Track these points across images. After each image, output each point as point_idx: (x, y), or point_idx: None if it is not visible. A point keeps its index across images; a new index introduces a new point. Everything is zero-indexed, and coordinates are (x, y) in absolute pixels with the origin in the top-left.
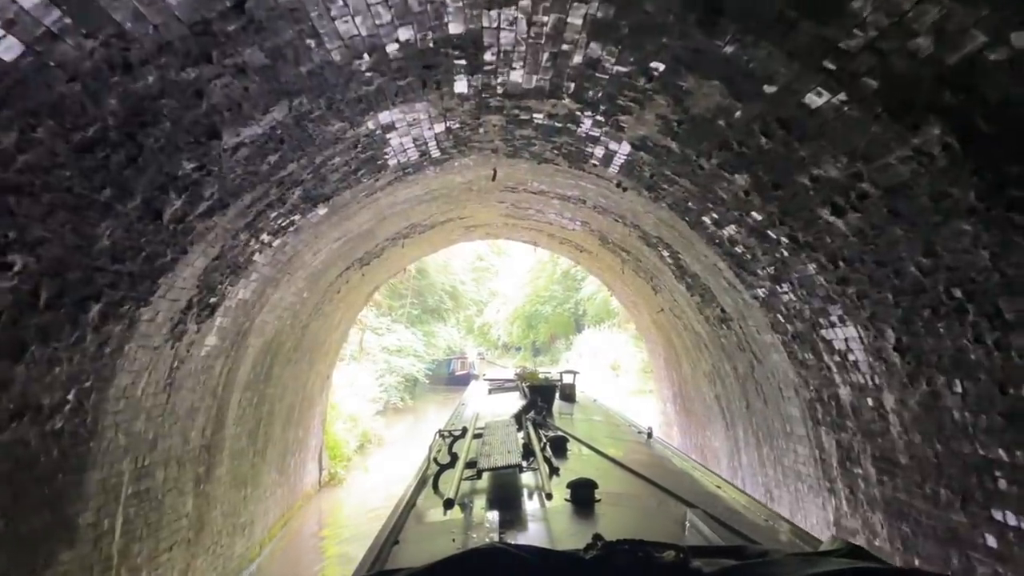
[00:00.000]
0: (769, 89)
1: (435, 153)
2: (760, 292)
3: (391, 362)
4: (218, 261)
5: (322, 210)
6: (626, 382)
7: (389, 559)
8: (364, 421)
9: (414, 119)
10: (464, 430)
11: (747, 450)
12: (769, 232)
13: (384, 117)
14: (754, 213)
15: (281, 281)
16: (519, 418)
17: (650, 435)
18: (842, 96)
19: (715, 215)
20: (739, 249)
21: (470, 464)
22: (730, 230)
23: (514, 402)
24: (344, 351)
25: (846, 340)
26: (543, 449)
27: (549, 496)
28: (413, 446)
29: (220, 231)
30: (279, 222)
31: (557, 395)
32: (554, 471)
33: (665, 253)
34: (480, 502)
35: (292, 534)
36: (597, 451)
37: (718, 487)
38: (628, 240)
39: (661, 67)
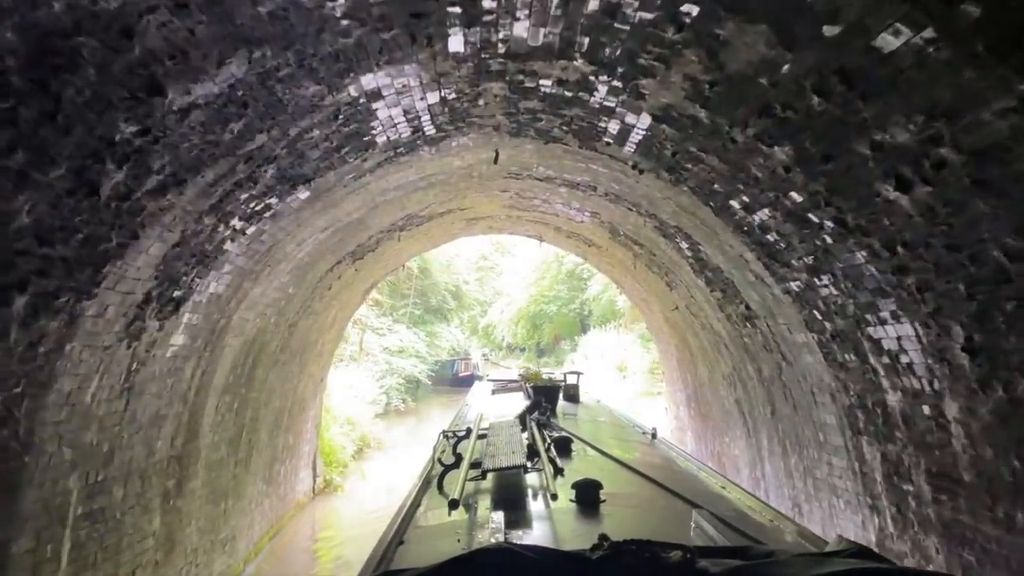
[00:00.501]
0: (830, 31)
1: (429, 130)
2: (794, 286)
3: (392, 363)
4: (179, 248)
5: (303, 193)
6: (633, 384)
7: (394, 559)
8: (363, 424)
9: (403, 85)
10: (468, 430)
11: (772, 459)
12: (810, 215)
13: (368, 81)
14: (793, 193)
15: (261, 274)
16: (523, 419)
17: (654, 436)
18: (928, 33)
19: (746, 198)
20: (771, 237)
21: (475, 464)
22: (762, 215)
23: (518, 403)
24: (344, 352)
25: (898, 339)
26: (547, 450)
27: (554, 496)
28: (414, 450)
29: (179, 213)
30: (252, 206)
31: (561, 396)
32: (558, 471)
33: (683, 245)
34: (485, 502)
35: (281, 547)
36: (601, 452)
37: (722, 488)
38: (642, 232)
39: (695, 11)
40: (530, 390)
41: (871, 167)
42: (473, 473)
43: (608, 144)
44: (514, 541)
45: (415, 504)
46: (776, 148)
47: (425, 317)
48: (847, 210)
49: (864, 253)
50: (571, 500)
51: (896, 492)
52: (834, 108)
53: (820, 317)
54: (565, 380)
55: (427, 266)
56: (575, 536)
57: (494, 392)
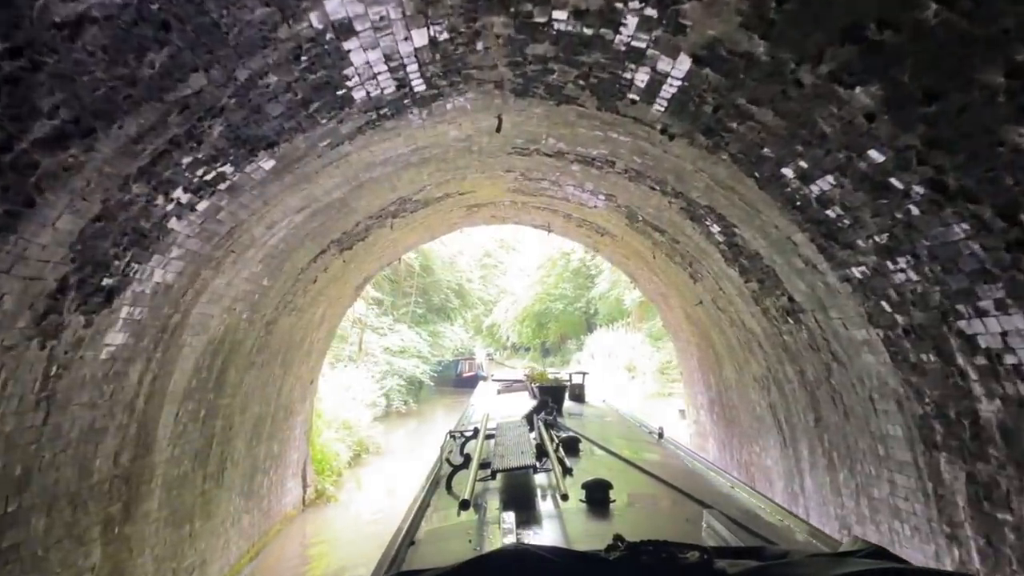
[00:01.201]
0: None
1: (418, 84)
2: (856, 272)
3: (393, 364)
4: (103, 224)
5: (266, 162)
6: (643, 384)
7: (406, 560)
8: (361, 428)
9: (381, 17)
10: (476, 431)
11: (814, 473)
12: (893, 180)
13: (334, 7)
14: (873, 152)
15: (223, 262)
16: (530, 418)
17: (661, 435)
18: None
19: (804, 163)
20: (833, 212)
21: (483, 465)
22: (824, 184)
23: (524, 402)
24: (342, 352)
25: (1003, 335)
26: (556, 450)
27: (564, 497)
28: (414, 455)
29: (94, 176)
30: (200, 173)
31: (567, 395)
32: (567, 472)
33: (715, 228)
34: (495, 503)
35: (264, 568)
36: (610, 451)
37: (731, 487)
38: (665, 215)
39: None
40: (536, 390)
41: (1000, 104)
42: (482, 473)
43: (633, 103)
44: (526, 542)
45: (425, 505)
46: (858, 90)
47: (427, 316)
48: (950, 168)
49: (966, 226)
50: (581, 500)
51: (986, 521)
52: (958, 19)
53: (890, 309)
54: (571, 380)
55: (429, 263)
56: (587, 537)
57: (499, 392)
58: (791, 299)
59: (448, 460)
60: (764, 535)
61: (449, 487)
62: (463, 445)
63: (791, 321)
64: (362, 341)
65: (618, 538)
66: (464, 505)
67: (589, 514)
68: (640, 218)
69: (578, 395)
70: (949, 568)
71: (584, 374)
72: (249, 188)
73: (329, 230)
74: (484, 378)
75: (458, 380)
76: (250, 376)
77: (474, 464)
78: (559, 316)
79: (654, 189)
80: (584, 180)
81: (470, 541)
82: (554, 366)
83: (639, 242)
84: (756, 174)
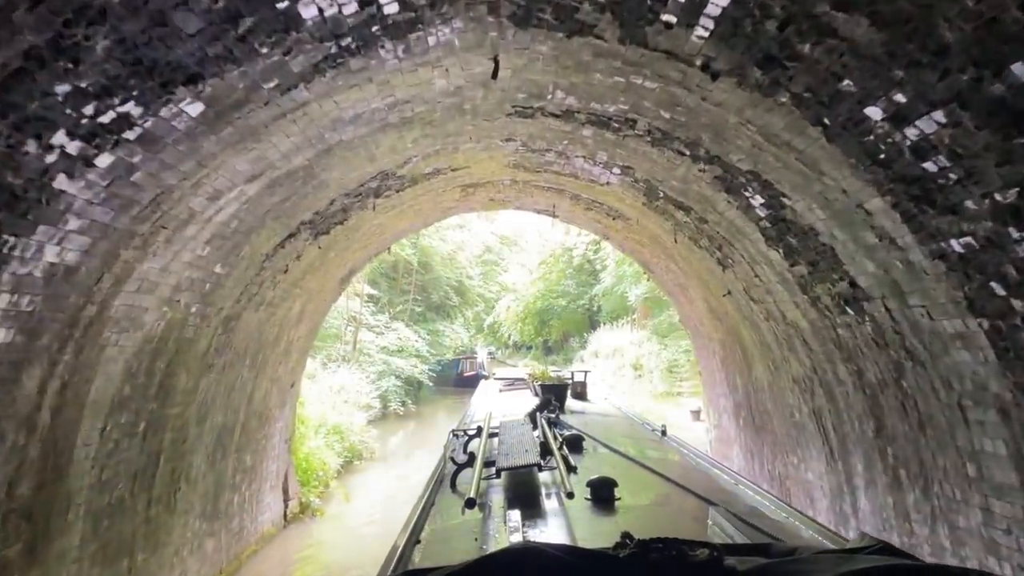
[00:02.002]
0: None
1: (388, 4)
2: (957, 245)
3: (391, 363)
4: None
5: (191, 104)
6: (650, 383)
7: (412, 559)
8: (354, 433)
9: None
10: (479, 429)
11: (871, 492)
12: None
13: None
14: (1019, 66)
15: (152, 241)
16: (533, 417)
17: (664, 433)
18: None
19: (903, 95)
20: (935, 163)
21: (488, 463)
22: (928, 124)
23: (526, 400)
24: (335, 351)
25: None
26: (560, 448)
27: (570, 495)
28: (411, 461)
29: None
30: (89, 112)
31: (569, 393)
32: (572, 470)
33: (757, 200)
34: (500, 501)
35: None
36: (613, 449)
37: (736, 485)
38: (692, 188)
39: None
40: (538, 388)
41: None
42: (487, 472)
43: (667, 27)
44: (532, 540)
45: (430, 503)
46: None
47: (426, 314)
48: None
49: None
50: (587, 498)
51: None
52: None
53: (1004, 292)
54: (572, 378)
55: (428, 260)
56: (593, 534)
57: (501, 390)
58: (853, 284)
59: (452, 458)
60: (769, 532)
61: (454, 485)
62: (466, 443)
63: (850, 311)
64: (356, 340)
65: (626, 536)
66: (470, 503)
67: (595, 512)
68: (661, 195)
69: (580, 393)
70: None
71: (586, 372)
72: (172, 141)
73: (296, 208)
74: (485, 377)
75: (459, 380)
76: (208, 381)
77: (478, 462)
78: (561, 313)
79: (682, 154)
80: (597, 150)
81: (476, 539)
82: (556, 364)
83: (657, 225)
84: (825, 120)
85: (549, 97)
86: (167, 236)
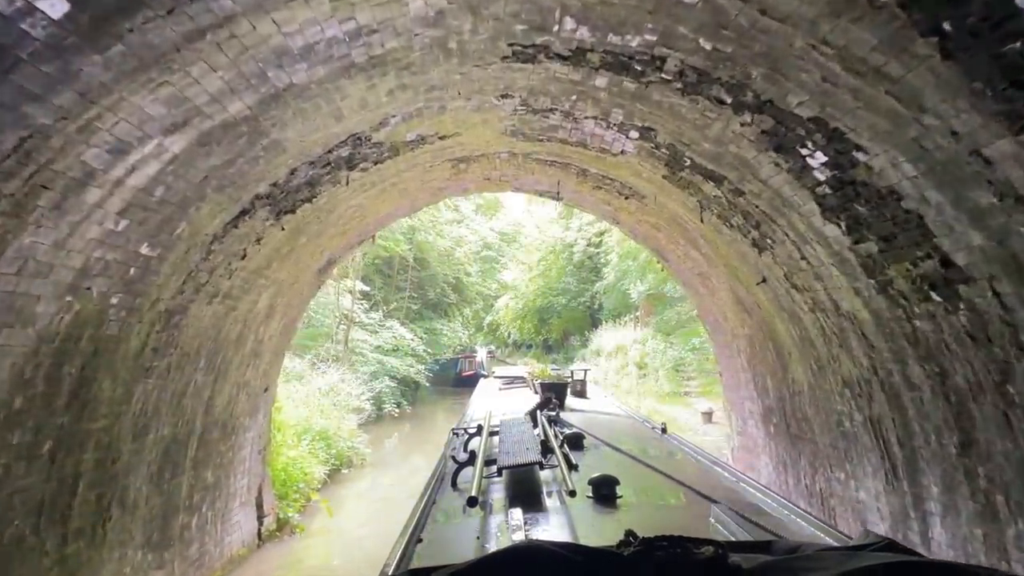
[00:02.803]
0: None
1: None
2: None
3: (386, 363)
4: None
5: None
6: (655, 383)
7: (414, 557)
8: (342, 438)
9: None
10: (480, 427)
11: (951, 519)
12: None
13: None
14: None
15: (30, 204)
16: (534, 415)
17: (664, 431)
18: None
19: None
20: None
21: (489, 461)
22: None
23: (526, 398)
24: (324, 351)
25: None
26: (561, 446)
27: (572, 493)
28: (405, 467)
29: None
30: None
31: (569, 391)
32: (573, 467)
33: (818, 159)
34: (502, 499)
35: None
36: (614, 447)
37: (737, 482)
38: (730, 150)
39: None
40: (538, 386)
41: None
42: (488, 470)
43: None
44: (534, 538)
45: (431, 501)
46: None
47: (423, 312)
48: None
49: None
50: (588, 496)
51: None
52: None
53: None
54: (572, 376)
55: (424, 256)
56: (596, 532)
57: (501, 389)
58: (945, 262)
59: (453, 457)
60: (772, 529)
61: (455, 484)
62: (467, 442)
63: (936, 298)
64: (348, 339)
65: (630, 533)
66: (471, 502)
67: (597, 510)
68: (687, 163)
69: (580, 391)
70: None
71: (585, 371)
72: (28, 54)
73: (245, 177)
74: (485, 376)
75: (457, 379)
76: (145, 388)
77: (479, 461)
78: (562, 312)
79: (721, 103)
80: (612, 107)
81: (478, 538)
82: (557, 363)
83: (679, 202)
84: (945, 26)
85: (555, 29)
86: (53, 200)
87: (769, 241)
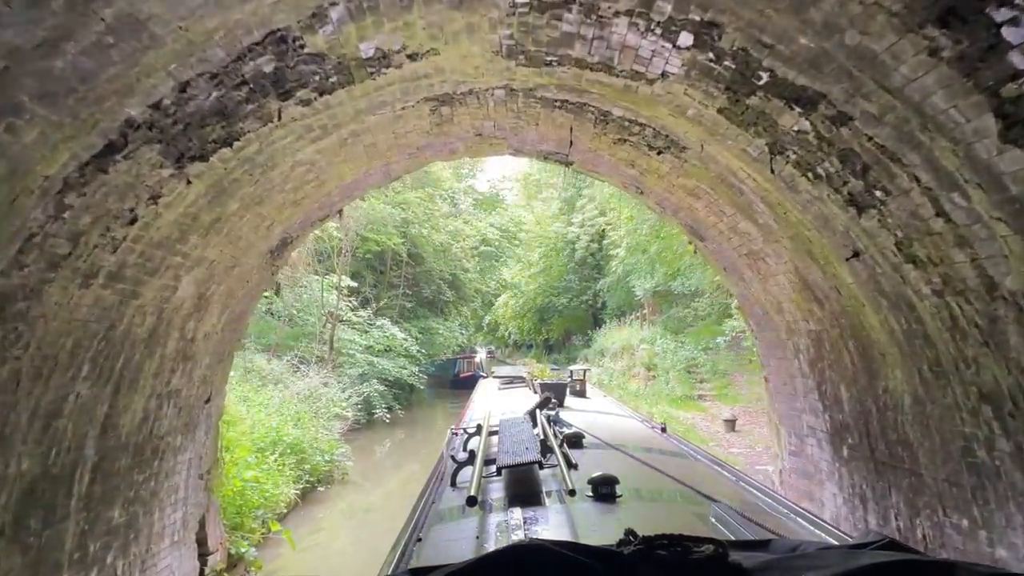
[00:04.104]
0: None
1: None
2: None
3: (377, 365)
4: None
5: None
6: (665, 386)
7: (414, 557)
8: (319, 450)
9: None
10: (479, 427)
11: None
12: None
13: None
14: None
15: None
16: (533, 415)
17: (663, 430)
18: None
19: None
20: None
21: (488, 461)
22: None
23: (526, 398)
24: (310, 351)
25: None
26: (560, 445)
27: (571, 492)
28: (392, 483)
29: None
30: None
31: (568, 391)
32: (572, 467)
33: (1020, 33)
34: (501, 499)
35: None
36: (614, 447)
37: (737, 482)
38: (844, 43)
39: None
40: (538, 386)
41: None
42: (487, 470)
43: None
44: (534, 537)
45: (430, 501)
46: None
47: (417, 310)
48: None
49: None
50: (588, 495)
51: None
52: None
53: None
54: (571, 376)
55: (418, 251)
56: (596, 532)
57: (500, 388)
58: None
59: (452, 456)
60: (772, 528)
61: (454, 483)
62: (466, 441)
63: None
64: (333, 339)
65: (629, 532)
66: (471, 501)
67: (597, 509)
68: (763, 79)
69: (579, 391)
70: None
71: (585, 370)
72: None
73: (94, 81)
74: (483, 376)
75: (455, 381)
76: None
77: (478, 460)
78: (563, 310)
79: None
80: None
81: (478, 537)
82: (558, 363)
83: (737, 150)
84: None
85: None
86: None
87: (879, 194)
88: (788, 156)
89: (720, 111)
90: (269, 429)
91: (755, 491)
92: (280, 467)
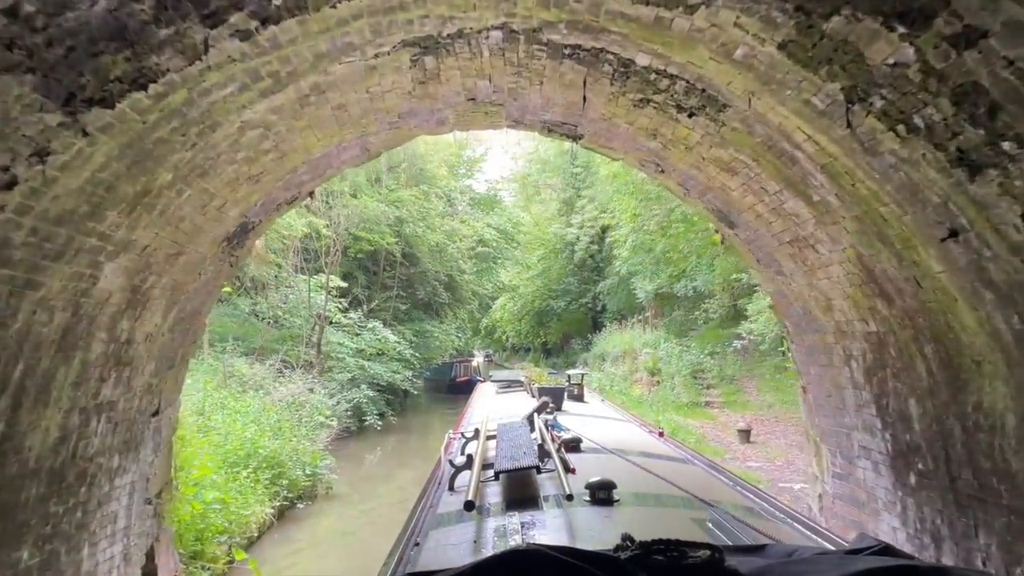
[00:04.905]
0: None
1: None
2: None
3: (368, 369)
4: None
5: None
6: (670, 392)
7: (411, 562)
8: (299, 463)
9: None
10: (476, 431)
11: None
12: None
13: None
14: None
15: None
16: (531, 419)
17: (661, 434)
18: None
19: None
20: None
21: (486, 466)
22: None
23: (524, 401)
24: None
25: None
26: (558, 450)
27: (569, 497)
28: (379, 498)
29: None
30: None
31: (566, 395)
32: (570, 471)
33: None
34: (499, 503)
35: None
36: (611, 451)
37: (734, 487)
38: None
39: None
40: (536, 390)
41: None
42: (485, 474)
43: None
44: (531, 542)
45: (428, 506)
46: None
47: (412, 313)
48: None
49: None
50: (586, 500)
51: None
52: None
53: None
54: (569, 380)
55: (413, 251)
56: (593, 536)
57: (498, 392)
58: None
59: (450, 461)
60: (768, 533)
61: (452, 488)
62: (464, 445)
63: None
64: (321, 342)
65: (627, 537)
66: (468, 506)
67: (594, 514)
68: None
69: (577, 395)
70: None
71: (583, 374)
72: None
73: None
74: (480, 381)
75: (452, 385)
76: None
77: (476, 465)
78: (561, 313)
79: None
80: None
81: (475, 542)
82: (556, 367)
83: (797, 103)
84: None
85: None
86: None
87: (1008, 146)
88: (871, 104)
89: (782, 46)
90: (244, 441)
91: (752, 496)
92: (254, 483)
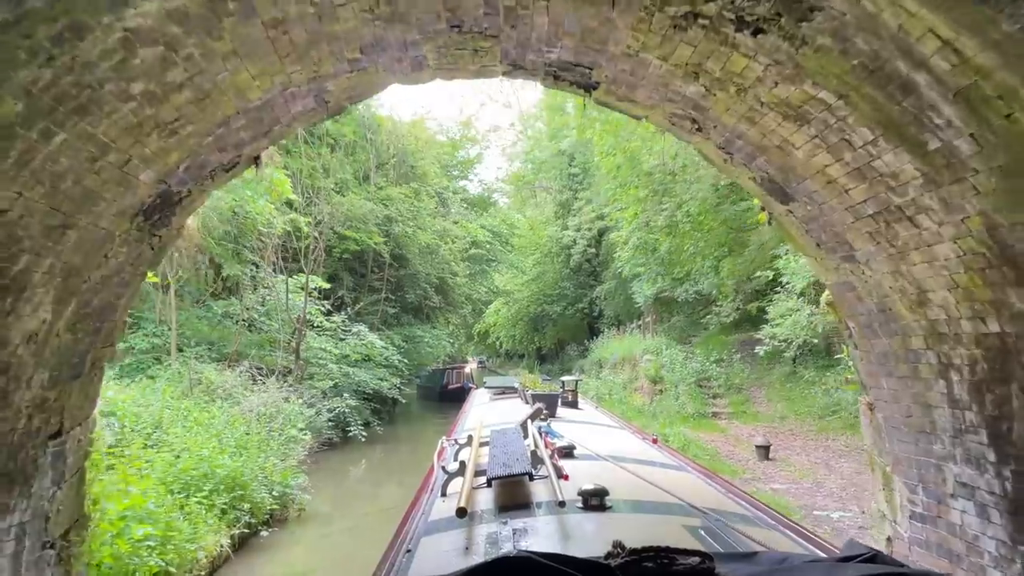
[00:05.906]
0: None
1: None
2: None
3: (352, 376)
4: None
5: None
6: (674, 401)
7: (403, 570)
8: (266, 483)
9: None
10: (470, 437)
11: None
12: None
13: None
14: None
15: None
16: (524, 425)
17: (655, 441)
18: None
19: None
20: None
21: (479, 472)
22: None
23: (517, 408)
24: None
25: None
26: (551, 456)
27: (561, 504)
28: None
29: None
30: None
31: (560, 402)
32: (563, 478)
33: None
34: (491, 510)
35: None
36: (604, 458)
37: (727, 494)
38: None
39: None
40: (530, 397)
41: None
42: (477, 481)
43: None
44: (523, 549)
45: (419, 512)
46: None
47: (401, 317)
48: None
49: None
50: (578, 507)
51: None
52: None
53: None
54: (564, 387)
55: (402, 252)
56: (585, 543)
57: (492, 399)
58: None
59: (443, 467)
60: (760, 541)
61: (444, 494)
62: (457, 452)
63: None
64: (299, 347)
65: (618, 544)
66: (460, 512)
67: (587, 521)
68: None
69: (571, 402)
70: None
71: (577, 380)
72: None
73: None
74: (472, 388)
75: (444, 392)
76: None
77: (469, 471)
78: (557, 319)
79: None
80: None
81: (467, 548)
82: (551, 374)
83: (930, 18)
84: None
85: None
86: None
87: None
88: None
89: None
90: (199, 460)
91: (745, 504)
92: (208, 509)
